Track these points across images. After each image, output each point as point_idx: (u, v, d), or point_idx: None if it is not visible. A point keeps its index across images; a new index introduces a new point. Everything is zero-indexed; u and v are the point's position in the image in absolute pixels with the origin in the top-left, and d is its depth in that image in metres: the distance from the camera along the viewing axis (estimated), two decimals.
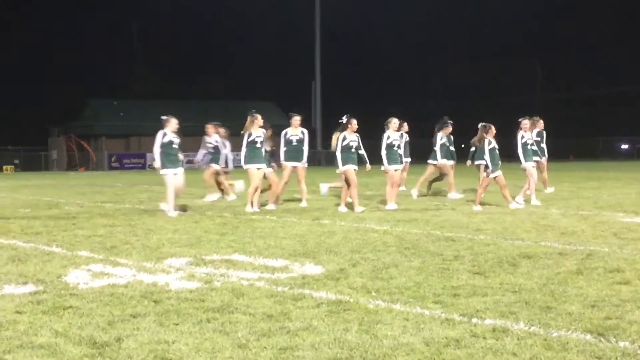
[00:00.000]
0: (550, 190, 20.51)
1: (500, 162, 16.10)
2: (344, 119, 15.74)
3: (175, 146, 15.44)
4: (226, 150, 19.31)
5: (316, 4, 65.34)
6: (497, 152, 16.01)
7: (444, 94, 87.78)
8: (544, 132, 21.17)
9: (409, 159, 21.24)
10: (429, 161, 19.93)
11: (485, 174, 16.22)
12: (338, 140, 15.67)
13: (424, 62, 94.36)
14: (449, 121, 19.39)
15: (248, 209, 15.56)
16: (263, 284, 7.49)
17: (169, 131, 15.41)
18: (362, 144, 15.51)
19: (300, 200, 17.67)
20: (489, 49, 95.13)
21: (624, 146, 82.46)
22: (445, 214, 15.07)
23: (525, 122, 17.29)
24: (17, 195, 23.38)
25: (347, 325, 5.80)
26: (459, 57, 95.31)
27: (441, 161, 18.93)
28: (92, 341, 5.42)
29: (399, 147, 16.39)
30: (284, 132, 17.39)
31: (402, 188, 19.90)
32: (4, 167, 54.85)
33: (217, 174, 19.27)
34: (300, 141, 16.94)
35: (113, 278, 7.94)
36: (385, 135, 16.01)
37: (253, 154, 15.77)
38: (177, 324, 5.90)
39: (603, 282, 7.41)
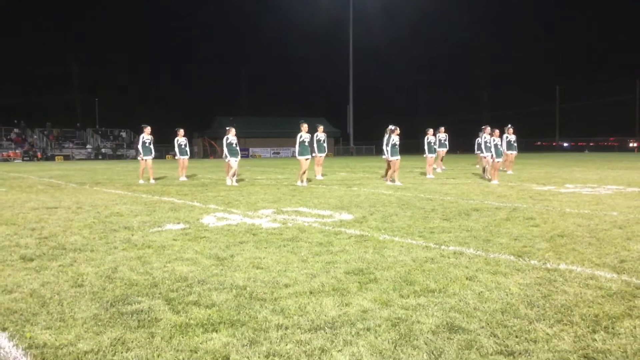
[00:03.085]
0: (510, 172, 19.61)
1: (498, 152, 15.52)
2: (392, 127, 14.87)
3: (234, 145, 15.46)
4: None
5: (350, 60, 64.85)
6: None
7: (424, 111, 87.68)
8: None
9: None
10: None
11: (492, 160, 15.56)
12: (388, 138, 14.86)
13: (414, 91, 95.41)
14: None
15: (299, 184, 14.94)
16: (317, 225, 7.55)
17: (231, 135, 15.35)
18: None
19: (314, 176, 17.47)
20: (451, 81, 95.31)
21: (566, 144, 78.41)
22: (427, 185, 14.93)
23: (488, 129, 16.35)
24: (174, 172, 23.79)
25: (366, 249, 5.84)
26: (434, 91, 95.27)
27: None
28: (216, 256, 5.54)
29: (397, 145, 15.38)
30: (313, 134, 16.82)
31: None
32: (167, 156, 56.04)
33: None
34: (310, 142, 15.89)
35: (229, 221, 8.07)
36: (391, 138, 14.87)
37: (302, 149, 15.22)
38: (266, 247, 5.99)
39: (522, 225, 7.34)
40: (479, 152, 24.79)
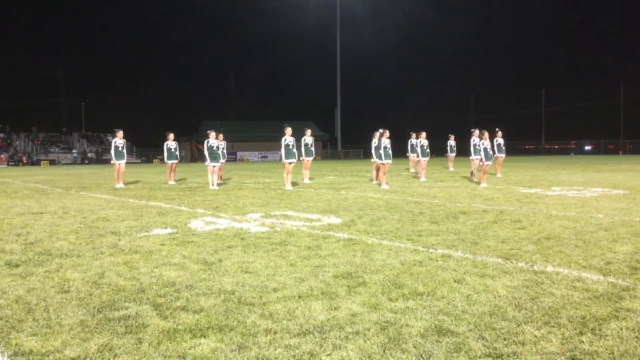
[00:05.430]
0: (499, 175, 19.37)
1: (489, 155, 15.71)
2: (381, 130, 14.91)
3: (215, 148, 15.43)
4: None
5: (337, 64, 64.96)
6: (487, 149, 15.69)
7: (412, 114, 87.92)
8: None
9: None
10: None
11: (481, 163, 15.76)
12: (379, 142, 14.86)
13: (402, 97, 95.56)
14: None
15: (288, 187, 14.89)
16: (305, 229, 7.54)
17: (212, 139, 15.35)
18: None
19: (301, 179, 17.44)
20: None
21: (587, 147, 74.21)
22: (414, 188, 14.99)
23: (477, 132, 16.39)
24: (161, 177, 23.65)
25: (355, 253, 5.84)
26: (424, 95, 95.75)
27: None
28: (204, 261, 5.51)
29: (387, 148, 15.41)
30: (301, 138, 16.41)
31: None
32: (154, 160, 55.74)
33: None
34: (295, 145, 15.51)
35: (217, 225, 8.03)
36: (382, 141, 14.82)
37: (287, 152, 15.16)
38: (254, 252, 5.97)
39: (509, 228, 7.39)
40: (451, 154, 25.42)
